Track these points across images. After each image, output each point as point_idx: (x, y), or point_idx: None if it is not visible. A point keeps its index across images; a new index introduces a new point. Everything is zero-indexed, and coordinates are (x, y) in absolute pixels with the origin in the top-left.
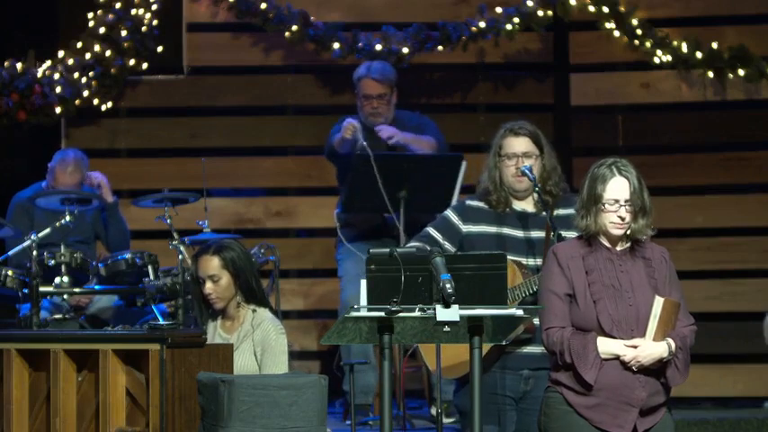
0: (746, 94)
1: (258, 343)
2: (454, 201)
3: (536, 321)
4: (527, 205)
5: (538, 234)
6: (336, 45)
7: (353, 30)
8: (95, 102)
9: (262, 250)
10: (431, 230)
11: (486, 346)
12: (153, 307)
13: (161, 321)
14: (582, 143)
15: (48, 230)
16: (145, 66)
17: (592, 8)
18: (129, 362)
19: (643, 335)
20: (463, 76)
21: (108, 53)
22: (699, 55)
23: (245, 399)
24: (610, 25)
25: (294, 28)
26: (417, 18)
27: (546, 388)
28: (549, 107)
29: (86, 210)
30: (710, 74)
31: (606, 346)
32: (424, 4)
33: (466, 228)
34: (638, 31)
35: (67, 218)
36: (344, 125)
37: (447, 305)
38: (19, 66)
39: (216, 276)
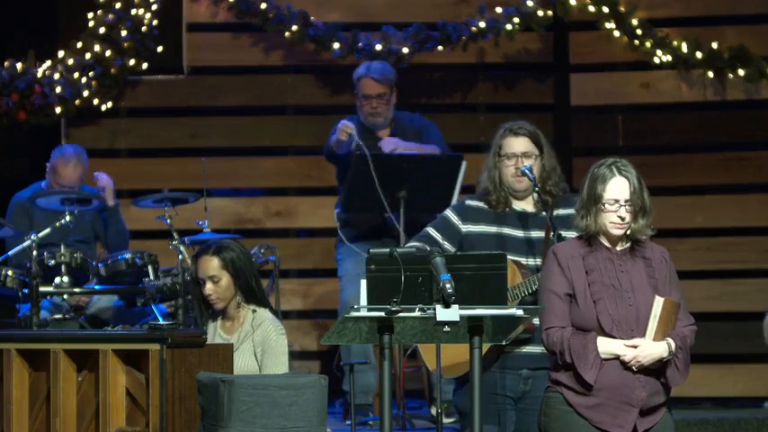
0: (746, 94)
1: (258, 344)
2: (454, 201)
3: (536, 321)
4: (527, 205)
5: (537, 234)
6: (336, 45)
7: (353, 30)
8: (95, 102)
9: (262, 250)
10: (430, 230)
11: (486, 346)
12: (153, 307)
13: (161, 321)
14: (582, 143)
15: (48, 230)
16: (145, 66)
17: (592, 8)
18: (129, 362)
19: (643, 335)
20: (463, 76)
21: (108, 53)
22: (699, 55)
23: (245, 399)
24: (610, 25)
25: (294, 28)
26: (417, 18)
27: (546, 388)
28: (549, 107)
29: (86, 210)
30: (710, 74)
31: (606, 345)
32: (424, 4)
33: (465, 228)
34: (638, 31)
35: (67, 218)
36: (339, 127)
37: (447, 305)
38: (19, 66)
39: (216, 277)
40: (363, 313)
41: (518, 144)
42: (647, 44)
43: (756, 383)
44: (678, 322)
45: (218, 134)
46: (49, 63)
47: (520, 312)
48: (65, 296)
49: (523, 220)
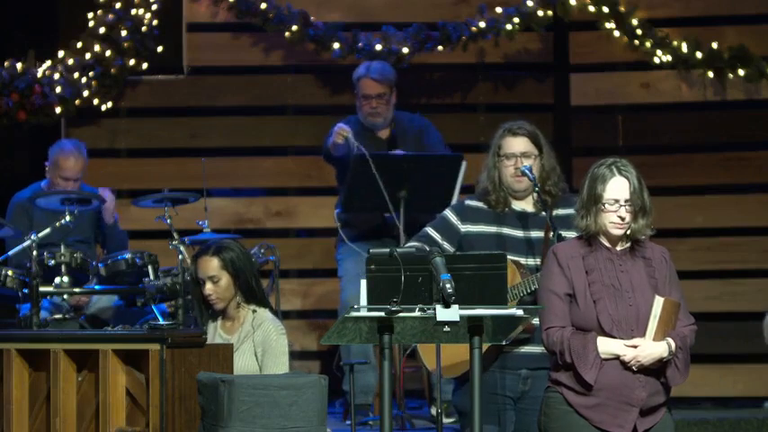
0: (746, 94)
1: (259, 344)
2: (454, 201)
3: (535, 321)
4: (526, 205)
5: (537, 234)
6: (336, 45)
7: (353, 30)
8: (95, 102)
9: (262, 250)
10: (429, 230)
11: (484, 346)
12: (153, 307)
13: (161, 321)
14: (582, 143)
15: (48, 230)
16: (145, 66)
17: (592, 8)
18: (129, 362)
19: (643, 335)
20: (463, 76)
21: (108, 53)
22: (699, 55)
23: (245, 399)
24: (610, 25)
25: (294, 28)
26: (417, 18)
27: (546, 388)
28: (549, 107)
29: (86, 210)
30: (710, 74)
31: (606, 345)
32: (424, 4)
33: (464, 228)
34: (638, 31)
35: (67, 218)
36: (335, 130)
37: (447, 305)
38: (19, 66)
39: (216, 277)
40: (363, 313)
41: (517, 144)
42: (647, 44)
43: (756, 383)
44: (678, 322)
45: (218, 134)
46: (49, 63)
47: (520, 312)
48: (65, 296)
49: (523, 220)
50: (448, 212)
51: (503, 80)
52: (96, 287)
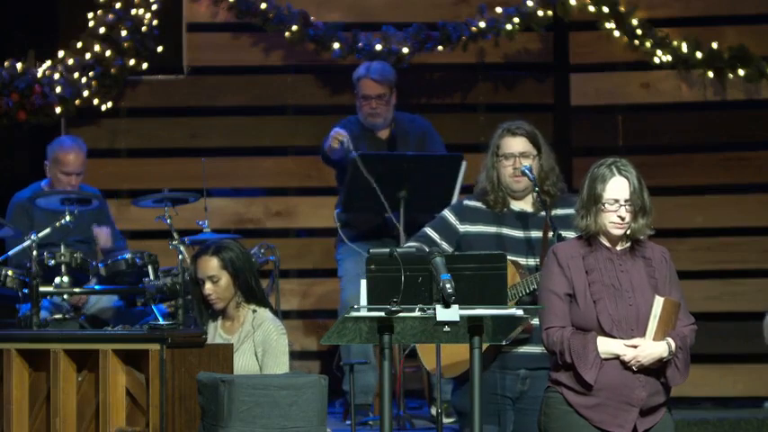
0: (746, 94)
1: (259, 344)
2: (454, 201)
3: (534, 321)
4: (525, 205)
5: (536, 234)
6: (336, 45)
7: (353, 30)
8: (95, 102)
9: (262, 250)
10: (428, 231)
11: (483, 346)
12: (153, 307)
13: (161, 321)
14: (582, 143)
15: (48, 230)
16: (145, 66)
17: (592, 8)
18: (129, 362)
19: (643, 334)
20: (463, 76)
21: (108, 53)
22: (699, 55)
23: (245, 399)
24: (610, 25)
25: (294, 28)
26: (417, 18)
27: (546, 388)
28: (549, 107)
29: (86, 210)
30: (710, 74)
31: (606, 345)
32: (424, 4)
33: (463, 228)
34: (638, 31)
35: (67, 218)
36: (332, 135)
37: (447, 305)
38: (19, 66)
39: (215, 277)
40: (363, 313)
41: (516, 144)
42: (647, 44)
43: (756, 383)
44: (678, 322)
45: (218, 134)
46: (49, 63)
47: (520, 312)
48: (65, 296)
49: (521, 220)
50: (446, 212)
51: (503, 80)
52: (96, 287)
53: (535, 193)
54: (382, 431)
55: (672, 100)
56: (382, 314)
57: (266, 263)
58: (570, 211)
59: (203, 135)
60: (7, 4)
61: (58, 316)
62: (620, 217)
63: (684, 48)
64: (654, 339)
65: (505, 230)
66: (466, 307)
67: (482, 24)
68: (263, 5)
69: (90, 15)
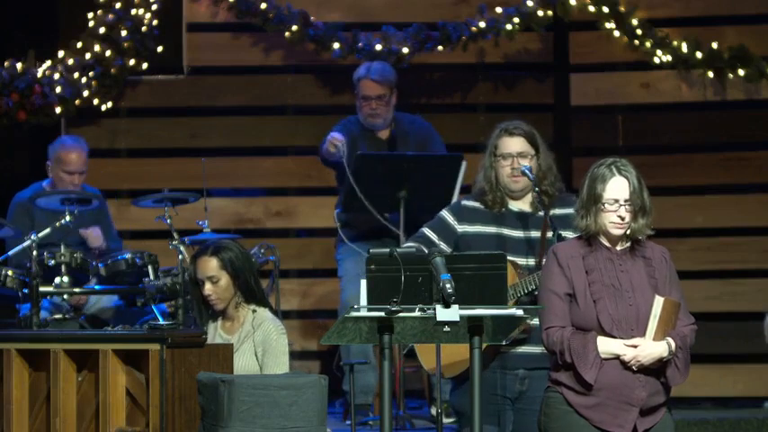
0: (746, 94)
1: (259, 344)
2: (454, 201)
3: (533, 321)
4: (523, 205)
5: (535, 234)
6: (336, 45)
7: (353, 30)
8: (95, 102)
9: (262, 250)
10: (426, 231)
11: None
12: (153, 307)
13: (161, 321)
14: (582, 143)
15: (48, 230)
16: (145, 66)
17: (592, 8)
18: (129, 362)
19: (643, 334)
20: (463, 76)
21: (108, 53)
22: (699, 55)
23: (245, 399)
24: (610, 25)
25: (294, 28)
26: (417, 18)
27: (546, 388)
28: (549, 107)
29: (86, 210)
30: (710, 74)
31: (606, 345)
32: (424, 4)
33: (461, 228)
34: (638, 31)
35: (67, 218)
36: (328, 139)
37: (447, 305)
38: (19, 66)
39: (215, 277)
40: (363, 313)
41: (514, 144)
42: (647, 44)
43: (756, 383)
44: (678, 322)
45: (218, 134)
46: (49, 63)
47: (520, 312)
48: (65, 296)
49: (520, 219)
50: (444, 213)
51: (503, 80)
52: (96, 287)
53: (535, 194)
54: (382, 431)
55: (672, 100)
56: (382, 314)
57: (266, 263)
58: (568, 210)
59: (203, 135)
60: (7, 4)
61: (58, 316)
62: (619, 217)
63: (684, 48)
64: (654, 339)
65: (504, 230)
66: (466, 307)
67: (482, 24)
68: (263, 5)
69: (90, 15)
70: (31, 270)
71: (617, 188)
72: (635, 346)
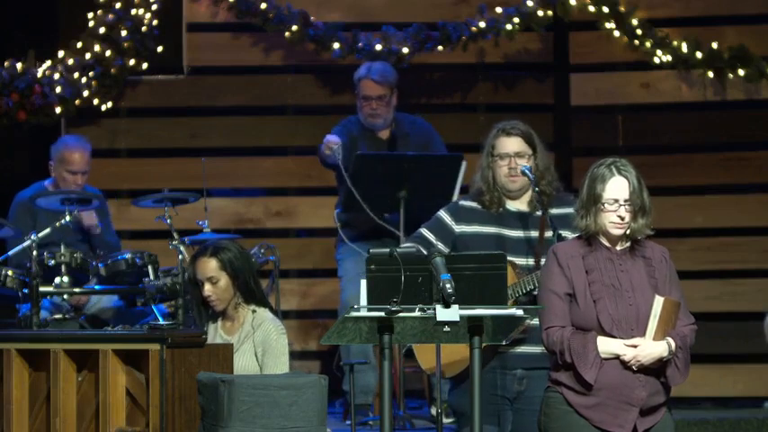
0: (746, 94)
1: (259, 344)
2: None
3: (532, 321)
4: (520, 205)
5: (534, 233)
6: (336, 45)
7: (353, 30)
8: (95, 102)
9: (262, 250)
10: (424, 231)
11: None
12: (153, 307)
13: (161, 321)
14: (582, 143)
15: (48, 230)
16: (145, 66)
17: (592, 8)
18: (129, 362)
19: (643, 334)
20: (463, 76)
21: (108, 53)
22: (699, 55)
23: (245, 399)
24: (610, 25)
25: (294, 28)
26: (417, 18)
27: (546, 388)
28: (549, 107)
29: (86, 210)
30: (710, 74)
31: (606, 345)
32: (424, 4)
33: (459, 228)
34: (638, 31)
35: (67, 218)
36: (325, 142)
37: (447, 305)
38: (19, 66)
39: (214, 278)
40: (363, 313)
41: (511, 144)
42: (647, 44)
43: (756, 383)
44: (678, 322)
45: (218, 134)
46: (49, 63)
47: (520, 313)
48: (65, 296)
49: (517, 219)
50: (442, 213)
51: (503, 80)
52: (96, 287)
53: (535, 193)
54: (382, 431)
55: (672, 100)
56: (382, 314)
57: (266, 263)
58: (566, 209)
59: (203, 135)
60: (7, 4)
61: (58, 316)
62: (619, 217)
63: (684, 48)
64: (654, 339)
65: (500, 230)
66: (466, 307)
67: (482, 24)
68: (263, 5)
69: (90, 15)
70: (31, 270)
71: (617, 188)
72: (635, 346)
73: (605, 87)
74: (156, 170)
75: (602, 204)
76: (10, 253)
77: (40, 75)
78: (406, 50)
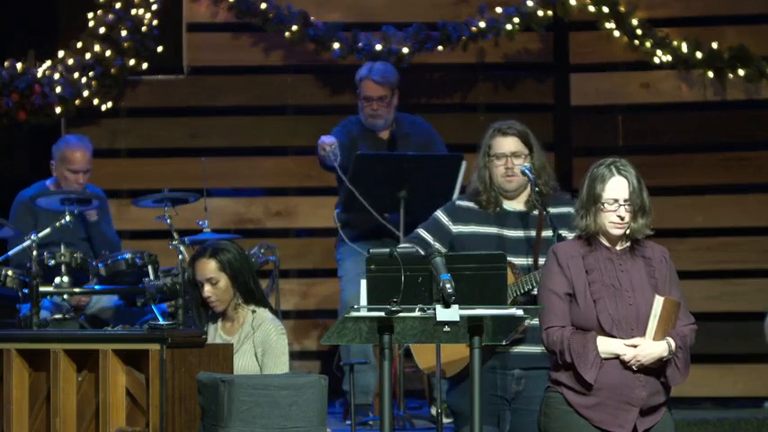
0: (746, 94)
1: (259, 344)
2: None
3: (531, 321)
4: (517, 205)
5: (530, 233)
6: (336, 45)
7: (353, 30)
8: (95, 102)
9: (262, 250)
10: (421, 232)
11: None
12: (153, 307)
13: (161, 321)
14: (582, 143)
15: (47, 230)
16: (145, 66)
17: (592, 8)
18: (129, 362)
19: (643, 334)
20: (463, 76)
21: (108, 53)
22: (699, 55)
23: (245, 399)
24: (610, 25)
25: (294, 28)
26: (417, 18)
27: (546, 388)
28: (549, 107)
29: (86, 210)
30: (710, 74)
31: (606, 345)
32: (424, 4)
33: (456, 228)
34: (638, 31)
35: (67, 218)
36: (319, 143)
37: (447, 305)
38: (19, 66)
39: (214, 279)
40: (363, 313)
41: (507, 144)
42: (647, 44)
43: (756, 383)
44: (678, 321)
45: (218, 134)
46: (49, 63)
47: (520, 313)
48: (65, 296)
49: (514, 219)
50: (439, 213)
51: (503, 80)
52: (96, 287)
53: (535, 193)
54: (382, 431)
55: (672, 100)
56: (382, 314)
57: (266, 263)
58: (563, 209)
59: (203, 135)
60: (7, 4)
61: (58, 316)
62: (619, 217)
63: (684, 48)
64: (654, 339)
65: (497, 230)
66: (466, 307)
67: (482, 24)
68: (263, 5)
69: (90, 15)
70: (31, 270)
71: (616, 188)
72: (635, 346)
73: (605, 87)
74: (156, 170)
75: (602, 204)
76: (10, 253)
77: (40, 75)
78: (406, 50)
